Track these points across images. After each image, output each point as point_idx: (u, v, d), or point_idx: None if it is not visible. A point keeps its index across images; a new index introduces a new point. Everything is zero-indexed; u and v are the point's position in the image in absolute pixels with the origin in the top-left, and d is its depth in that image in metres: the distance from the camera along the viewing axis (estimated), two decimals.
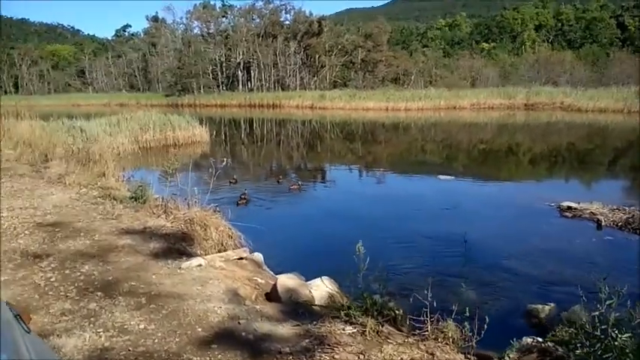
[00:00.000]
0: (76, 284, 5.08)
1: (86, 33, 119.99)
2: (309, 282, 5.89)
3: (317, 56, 69.78)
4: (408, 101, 49.42)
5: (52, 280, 5.19)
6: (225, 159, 8.26)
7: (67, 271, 5.43)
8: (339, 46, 70.44)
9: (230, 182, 13.02)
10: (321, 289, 5.44)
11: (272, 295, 5.09)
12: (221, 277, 5.31)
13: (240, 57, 71.15)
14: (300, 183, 13.62)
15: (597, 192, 13.21)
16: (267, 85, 70.68)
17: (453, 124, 38.44)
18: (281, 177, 14.95)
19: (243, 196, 11.72)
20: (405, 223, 9.95)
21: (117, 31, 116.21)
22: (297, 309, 4.68)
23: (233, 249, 7.19)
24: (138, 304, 4.59)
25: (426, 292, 4.09)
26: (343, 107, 52.28)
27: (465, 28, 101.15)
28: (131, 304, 4.61)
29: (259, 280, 5.62)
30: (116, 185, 9.59)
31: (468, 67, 66.61)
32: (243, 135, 34.03)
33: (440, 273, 7.31)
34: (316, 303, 5.09)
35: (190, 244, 6.70)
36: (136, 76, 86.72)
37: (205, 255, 6.61)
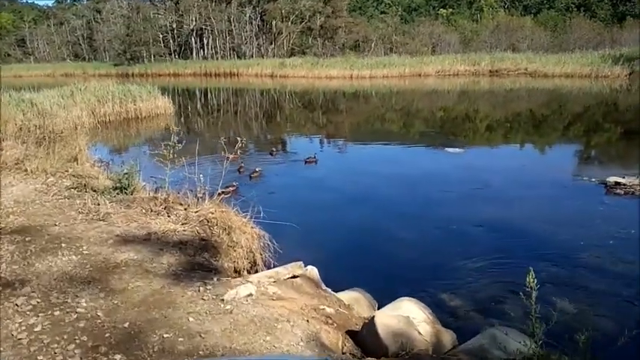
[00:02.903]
0: (76, 338, 3.39)
1: (25, 0, 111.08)
2: (389, 306, 4.39)
3: (274, 23, 66.90)
4: (373, 69, 47.82)
5: (37, 330, 3.48)
6: (239, 138, 6.46)
7: (58, 312, 3.72)
8: (297, 12, 67.66)
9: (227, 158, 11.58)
10: (423, 324, 3.93)
11: (371, 341, 3.54)
12: (287, 314, 3.72)
13: (193, 23, 67.51)
14: (315, 156, 12.23)
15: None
16: (222, 53, 67.56)
17: (426, 92, 37.33)
18: (274, 149, 13.39)
19: (241, 169, 11.13)
20: (444, 209, 8.50)
21: None
22: None
23: (261, 255, 5.60)
24: None
25: None
26: (305, 75, 50.24)
27: None
28: None
29: (327, 310, 4.07)
30: (93, 172, 7.72)
31: (428, 34, 65.24)
32: (209, 106, 31.83)
33: (522, 279, 5.88)
34: (433, 354, 3.58)
35: (215, 256, 5.04)
36: (80, 45, 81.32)
37: (235, 269, 5.03)
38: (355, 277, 5.56)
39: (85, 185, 7.01)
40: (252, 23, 67.31)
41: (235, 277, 4.54)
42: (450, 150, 13.20)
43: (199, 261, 4.85)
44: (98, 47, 77.86)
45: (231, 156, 11.96)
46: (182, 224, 5.48)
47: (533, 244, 6.93)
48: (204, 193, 6.13)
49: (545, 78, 42.26)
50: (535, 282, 2.96)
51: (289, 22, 67.55)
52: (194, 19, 67.70)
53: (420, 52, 58.47)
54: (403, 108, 27.55)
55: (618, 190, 9.08)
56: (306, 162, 12.09)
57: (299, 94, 37.53)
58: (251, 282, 4.16)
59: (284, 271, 4.45)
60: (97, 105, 19.36)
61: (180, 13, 68.64)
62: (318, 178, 11.00)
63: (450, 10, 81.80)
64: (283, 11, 67.20)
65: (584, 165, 12.64)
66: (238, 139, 6.44)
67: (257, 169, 10.84)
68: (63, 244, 5.04)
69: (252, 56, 65.05)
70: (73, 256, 4.77)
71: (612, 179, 9.38)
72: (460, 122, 21.39)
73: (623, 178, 9.47)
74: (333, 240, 7.35)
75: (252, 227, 5.65)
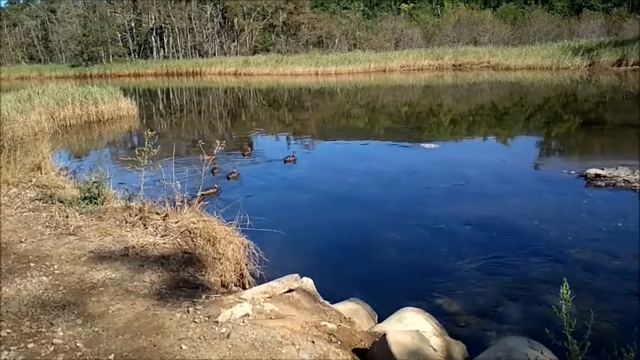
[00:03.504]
0: None
1: None
2: (393, 318, 4.12)
3: (235, 20, 66.10)
4: (338, 65, 47.66)
5: None
6: (218, 141, 6.09)
7: (32, 344, 3.32)
8: (258, 9, 66.98)
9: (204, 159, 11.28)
10: (434, 338, 3.67)
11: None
12: (289, 336, 3.40)
13: (152, 22, 66.20)
14: (294, 154, 12.06)
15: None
16: (184, 51, 66.51)
17: (391, 87, 37.39)
18: (247, 150, 13.02)
19: (215, 170, 10.90)
20: (429, 208, 8.27)
21: None
22: None
23: (247, 267, 5.25)
24: None
25: None
26: (270, 73, 49.84)
27: None
28: None
29: (329, 326, 3.76)
30: (59, 181, 7.21)
31: (391, 29, 65.42)
32: (171, 106, 31.07)
33: (519, 280, 5.68)
34: None
35: (200, 270, 4.68)
36: (35, 46, 78.82)
37: (222, 284, 4.68)
38: (349, 286, 5.28)
39: (51, 196, 6.52)
40: (213, 21, 66.46)
41: (225, 293, 4.19)
42: (426, 145, 13.05)
43: (184, 277, 4.49)
44: (54, 48, 75.64)
45: (207, 157, 11.78)
46: (162, 236, 5.09)
47: (523, 241, 6.76)
48: (182, 200, 5.74)
49: (508, 71, 42.78)
50: (568, 293, 2.70)
51: (251, 19, 66.83)
52: (153, 17, 66.44)
53: (383, 48, 58.70)
54: (370, 104, 27.54)
55: (599, 182, 9.02)
56: (285, 161, 11.87)
57: (264, 92, 37.14)
58: (245, 299, 3.82)
59: (279, 285, 4.11)
60: (56, 108, 18.60)
61: (139, 11, 67.30)
62: (296, 178, 10.67)
63: (412, 4, 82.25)
64: (245, 8, 66.42)
65: (559, 157, 12.69)
66: (217, 141, 6.06)
67: (234, 170, 10.50)
68: (32, 264, 4.60)
69: (215, 54, 64.27)
70: (44, 277, 4.34)
71: (592, 171, 9.34)
72: (425, 117, 21.49)
73: (603, 169, 9.44)
74: (320, 245, 7.00)
75: (237, 236, 5.29)
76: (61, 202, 6.39)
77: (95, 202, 6.39)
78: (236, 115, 25.04)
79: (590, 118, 18.71)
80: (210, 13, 65.93)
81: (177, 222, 5.27)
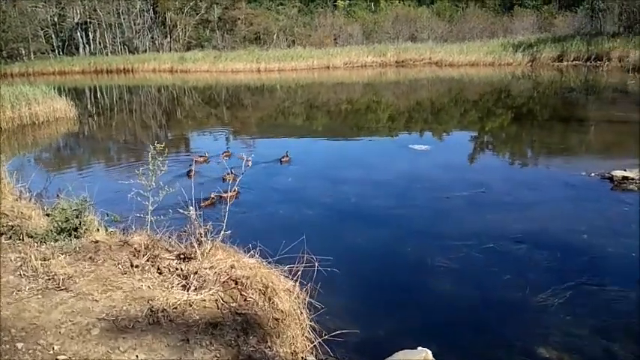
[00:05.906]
0: None
1: None
2: None
3: (168, 15, 63.18)
4: (280, 61, 46.24)
5: None
6: (245, 155, 4.79)
7: None
8: (191, 3, 64.33)
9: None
10: None
11: None
12: None
13: (78, 17, 62.22)
14: (288, 154, 11.29)
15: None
16: (112, 47, 62.92)
17: (333, 84, 36.42)
18: (225, 154, 11.67)
19: (191, 173, 9.56)
20: (463, 223, 7.13)
21: None
22: None
23: (314, 330, 3.98)
24: None
25: None
26: (209, 70, 47.65)
27: None
28: None
29: None
30: (23, 209, 5.59)
31: (329, 25, 64.63)
32: (100, 106, 28.69)
33: (618, 316, 4.73)
34: None
35: (264, 339, 3.36)
36: None
37: (292, 354, 3.40)
38: (438, 342, 4.09)
39: (16, 231, 4.97)
40: (143, 16, 63.21)
41: None
42: (416, 147, 12.02)
43: (249, 353, 3.17)
44: None
45: (201, 158, 10.87)
46: (195, 290, 3.71)
47: (590, 262, 5.82)
48: (206, 233, 4.36)
49: (451, 67, 42.76)
50: None
51: (184, 14, 64.06)
52: (78, 11, 62.49)
53: (323, 44, 57.80)
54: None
55: (630, 186, 8.31)
56: (281, 162, 11.15)
57: (201, 90, 35.44)
58: None
59: None
60: None
61: (62, 5, 63.01)
62: (294, 188, 9.27)
63: (348, 1, 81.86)
64: (177, 3, 63.58)
65: (566, 156, 11.65)
66: (244, 156, 4.76)
67: (231, 171, 8.58)
68: (18, 344, 3.16)
69: (146, 51, 61.08)
70: None
71: (618, 173, 8.63)
72: (363, 114, 20.69)
73: (625, 170, 8.76)
74: (364, 284, 5.58)
75: (291, 283, 4.00)
76: (31, 237, 4.87)
77: (76, 235, 4.92)
78: (171, 114, 23.62)
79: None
80: (140, 8, 62.67)
81: (211, 267, 3.91)
